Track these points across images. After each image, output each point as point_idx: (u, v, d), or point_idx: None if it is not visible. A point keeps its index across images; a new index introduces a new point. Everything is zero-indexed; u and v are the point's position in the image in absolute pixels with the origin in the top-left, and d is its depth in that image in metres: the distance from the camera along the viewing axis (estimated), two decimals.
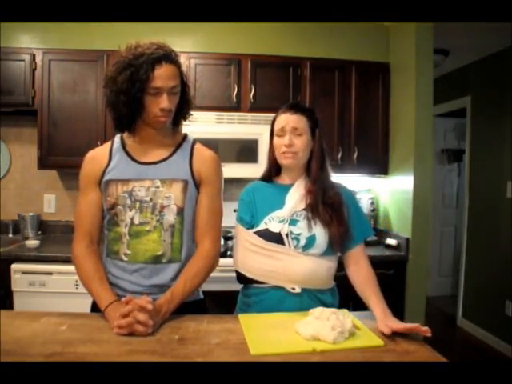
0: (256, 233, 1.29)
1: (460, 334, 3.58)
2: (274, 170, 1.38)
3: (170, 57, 1.18)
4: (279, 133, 1.31)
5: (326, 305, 1.27)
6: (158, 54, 1.15)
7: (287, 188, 1.34)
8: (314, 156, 1.33)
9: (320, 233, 1.26)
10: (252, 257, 1.28)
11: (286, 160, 1.31)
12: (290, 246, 1.25)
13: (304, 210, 1.30)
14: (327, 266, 1.29)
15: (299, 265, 1.25)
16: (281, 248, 1.25)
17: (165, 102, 1.16)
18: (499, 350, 3.13)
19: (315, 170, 1.32)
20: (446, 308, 4.08)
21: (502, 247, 3.18)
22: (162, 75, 1.15)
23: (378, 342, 1.02)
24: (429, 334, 1.00)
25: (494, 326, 3.26)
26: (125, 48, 1.19)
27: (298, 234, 1.26)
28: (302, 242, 1.26)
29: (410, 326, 1.04)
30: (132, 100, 1.17)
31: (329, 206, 1.28)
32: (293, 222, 1.27)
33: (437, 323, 3.66)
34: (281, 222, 1.27)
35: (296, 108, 1.33)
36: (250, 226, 1.32)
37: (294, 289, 1.24)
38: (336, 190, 1.33)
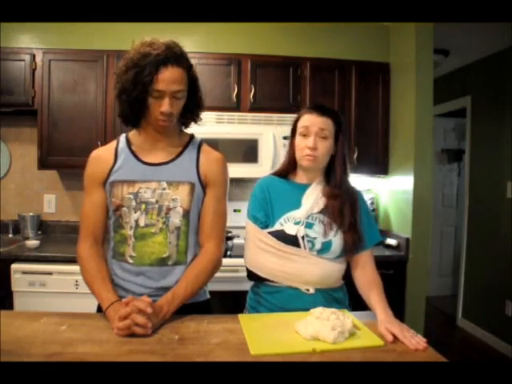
0: (270, 233, 1.27)
1: (460, 334, 3.58)
2: (292, 167, 1.36)
3: (177, 59, 1.14)
4: (304, 132, 1.28)
5: (338, 301, 1.29)
6: (164, 56, 1.12)
7: (304, 188, 1.32)
8: (338, 161, 1.31)
9: (335, 239, 1.26)
10: (265, 256, 1.28)
11: (307, 162, 1.28)
12: (305, 248, 1.25)
13: (320, 212, 1.29)
14: (339, 267, 1.30)
15: (314, 268, 1.25)
16: (296, 250, 1.25)
17: (165, 106, 1.14)
18: (499, 350, 3.13)
19: (339, 175, 1.30)
20: (446, 308, 4.08)
21: (501, 247, 3.18)
22: (165, 78, 1.12)
23: (378, 342, 1.02)
24: (420, 348, 0.99)
25: (493, 326, 3.25)
26: (138, 44, 1.16)
27: (314, 238, 1.26)
28: (318, 246, 1.26)
29: (409, 341, 1.01)
30: (134, 101, 1.15)
31: (351, 212, 1.27)
32: (309, 225, 1.27)
33: (437, 323, 3.65)
34: (296, 223, 1.26)
35: (323, 110, 1.29)
36: (264, 226, 1.30)
37: (308, 290, 1.25)
38: (355, 194, 1.33)
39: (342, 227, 1.26)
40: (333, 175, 1.31)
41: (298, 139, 1.30)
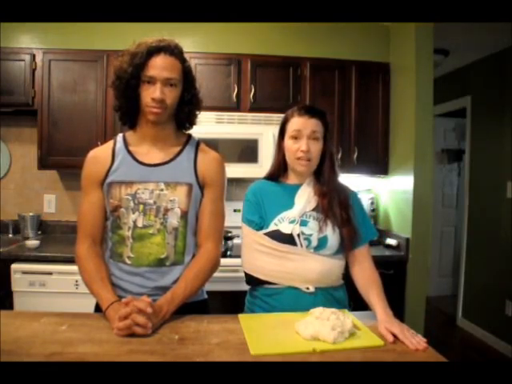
0: (266, 234, 1.28)
1: (460, 334, 3.58)
2: (282, 169, 1.37)
3: (170, 49, 1.16)
4: (295, 135, 1.28)
5: (339, 301, 1.29)
6: (157, 45, 1.15)
7: (295, 188, 1.33)
8: (327, 159, 1.32)
9: (331, 234, 1.27)
10: (262, 258, 1.28)
11: (301, 167, 1.29)
12: (301, 246, 1.25)
13: (314, 210, 1.29)
14: (338, 264, 1.30)
15: (312, 265, 1.25)
16: (293, 249, 1.25)
17: (156, 92, 1.14)
18: (499, 350, 3.13)
19: (328, 173, 1.31)
20: (446, 308, 4.08)
21: (502, 247, 3.18)
22: (156, 64, 1.14)
23: (378, 341, 1.02)
24: (420, 348, 0.99)
25: (493, 326, 3.26)
26: None
27: (310, 235, 1.26)
28: (314, 243, 1.26)
29: (409, 341, 1.01)
30: (126, 87, 1.16)
31: (342, 207, 1.28)
32: (303, 223, 1.27)
33: (437, 323, 3.65)
34: (291, 222, 1.26)
35: (313, 112, 1.30)
36: (259, 228, 1.30)
37: (308, 288, 1.25)
38: (346, 191, 1.34)
39: (335, 223, 1.27)
40: (322, 174, 1.32)
41: (290, 142, 1.30)
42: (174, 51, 1.18)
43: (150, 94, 1.15)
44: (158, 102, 1.15)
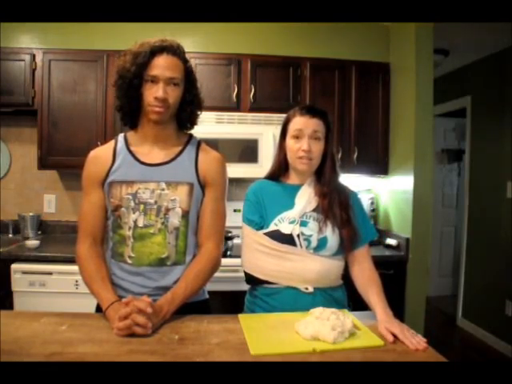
0: (266, 234, 1.28)
1: (460, 334, 3.58)
2: (283, 169, 1.37)
3: (173, 49, 1.17)
4: (297, 135, 1.28)
5: (338, 301, 1.29)
6: (159, 45, 1.16)
7: (296, 188, 1.33)
8: (328, 159, 1.32)
9: (331, 235, 1.27)
10: (262, 258, 1.28)
11: (302, 166, 1.29)
12: (301, 246, 1.25)
13: (314, 211, 1.30)
14: (338, 265, 1.30)
15: (311, 265, 1.25)
16: (292, 249, 1.25)
17: (159, 92, 1.15)
18: (499, 350, 3.13)
19: (329, 174, 1.31)
20: (446, 308, 4.08)
21: (502, 247, 3.18)
22: (159, 64, 1.15)
23: (378, 341, 1.02)
24: (420, 348, 0.99)
25: (493, 326, 3.26)
26: None
27: (310, 236, 1.26)
28: (314, 243, 1.26)
29: (409, 341, 1.01)
30: (129, 86, 1.17)
31: (342, 208, 1.28)
32: (303, 224, 1.27)
33: (437, 323, 3.65)
34: (291, 223, 1.27)
35: (315, 111, 1.30)
36: (259, 227, 1.30)
37: (306, 289, 1.25)
38: (346, 192, 1.34)
39: (335, 224, 1.27)
40: (323, 175, 1.32)
41: (291, 142, 1.30)
42: (177, 51, 1.19)
43: (153, 94, 1.15)
44: (161, 102, 1.16)
